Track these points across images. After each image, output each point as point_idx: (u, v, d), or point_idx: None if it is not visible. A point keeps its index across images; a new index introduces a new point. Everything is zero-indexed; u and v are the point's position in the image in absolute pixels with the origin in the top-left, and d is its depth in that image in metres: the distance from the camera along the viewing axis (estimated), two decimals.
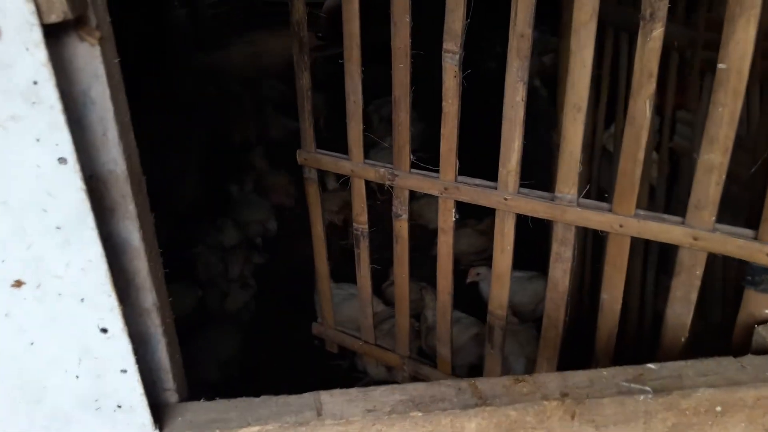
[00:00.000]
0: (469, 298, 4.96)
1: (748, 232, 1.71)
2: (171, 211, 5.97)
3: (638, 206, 1.91)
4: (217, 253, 5.07)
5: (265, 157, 6.63)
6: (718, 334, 2.33)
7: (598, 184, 3.64)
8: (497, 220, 2.19)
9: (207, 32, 12.78)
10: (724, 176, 1.68)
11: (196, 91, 9.15)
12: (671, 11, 1.74)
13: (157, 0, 10.25)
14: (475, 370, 3.49)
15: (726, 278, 2.52)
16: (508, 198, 2.11)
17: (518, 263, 2.33)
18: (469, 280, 4.44)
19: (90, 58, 1.18)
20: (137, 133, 1.37)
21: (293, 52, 2.44)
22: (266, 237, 5.85)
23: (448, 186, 2.24)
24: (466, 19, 2.01)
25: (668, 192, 3.08)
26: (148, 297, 1.38)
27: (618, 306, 2.04)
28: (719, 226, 1.76)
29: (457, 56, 2.06)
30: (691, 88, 2.61)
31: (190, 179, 6.49)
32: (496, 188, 2.15)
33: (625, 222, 1.90)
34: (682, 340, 1.89)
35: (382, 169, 2.42)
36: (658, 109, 2.82)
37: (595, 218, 1.96)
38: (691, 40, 2.50)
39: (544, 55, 9.58)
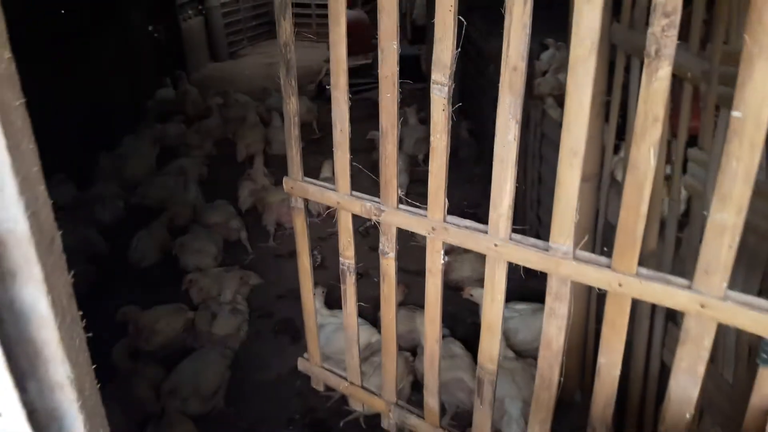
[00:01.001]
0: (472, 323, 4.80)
1: (765, 303, 1.49)
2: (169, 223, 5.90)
3: (644, 248, 1.70)
4: (213, 275, 4.92)
5: (267, 173, 6.50)
6: (730, 397, 2.10)
7: (605, 218, 3.42)
8: (487, 266, 2.00)
9: (220, 41, 12.75)
10: (737, 238, 1.46)
11: (204, 100, 9.07)
12: (683, 37, 1.53)
13: (172, 9, 10.20)
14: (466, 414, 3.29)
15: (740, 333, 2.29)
16: (498, 244, 1.91)
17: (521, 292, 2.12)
18: (464, 296, 4.25)
19: None
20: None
21: (280, 75, 2.28)
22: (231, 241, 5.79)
23: (436, 226, 2.05)
24: (456, 49, 1.83)
25: (680, 228, 2.86)
26: (59, 369, 1.19)
27: (617, 371, 1.83)
28: (731, 293, 1.54)
29: (446, 88, 1.88)
30: (705, 126, 2.39)
31: (188, 189, 6.43)
32: (486, 232, 1.95)
33: (625, 281, 1.69)
34: (687, 416, 1.68)
35: (369, 203, 2.24)
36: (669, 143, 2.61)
37: (593, 274, 1.75)
38: (705, 73, 2.28)
39: (561, 72, 9.37)
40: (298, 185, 2.45)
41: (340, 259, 2.47)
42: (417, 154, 7.27)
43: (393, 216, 2.18)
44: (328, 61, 9.46)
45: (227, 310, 4.47)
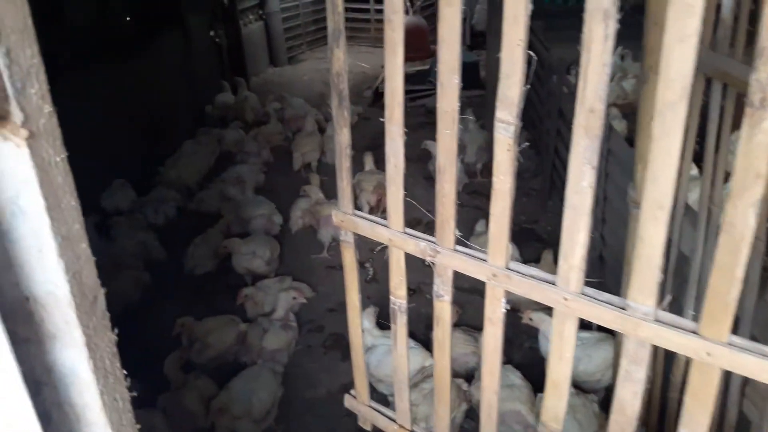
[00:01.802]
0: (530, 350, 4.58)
1: None
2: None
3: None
4: (266, 289, 4.85)
5: (321, 185, 6.42)
6: None
7: (678, 249, 3.17)
8: (555, 321, 1.81)
9: (279, 46, 12.78)
10: None
11: (262, 106, 9.07)
12: None
13: (234, 14, 10.25)
14: None
15: None
16: (569, 299, 1.72)
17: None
18: (523, 320, 4.05)
19: (17, 160, 0.93)
20: None
21: (332, 106, 2.13)
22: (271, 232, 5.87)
23: (497, 273, 1.87)
24: (526, 85, 1.65)
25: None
26: None
27: None
28: None
29: (513, 128, 1.70)
30: None
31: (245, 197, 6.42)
32: (555, 284, 1.76)
33: (714, 350, 1.48)
34: None
35: (423, 243, 2.08)
36: None
37: (677, 339, 1.55)
38: None
39: (624, 80, 8.98)
40: (348, 219, 2.31)
41: (391, 297, 2.32)
42: (477, 162, 7.03)
43: (449, 258, 2.01)
44: (384, 67, 9.33)
45: (279, 326, 4.39)
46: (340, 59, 2.05)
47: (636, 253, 1.55)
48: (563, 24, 10.07)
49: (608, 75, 1.47)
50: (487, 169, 6.97)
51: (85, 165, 5.91)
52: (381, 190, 6.41)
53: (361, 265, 5.75)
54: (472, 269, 1.94)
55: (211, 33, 9.65)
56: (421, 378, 3.78)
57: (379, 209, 6.51)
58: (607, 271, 4.94)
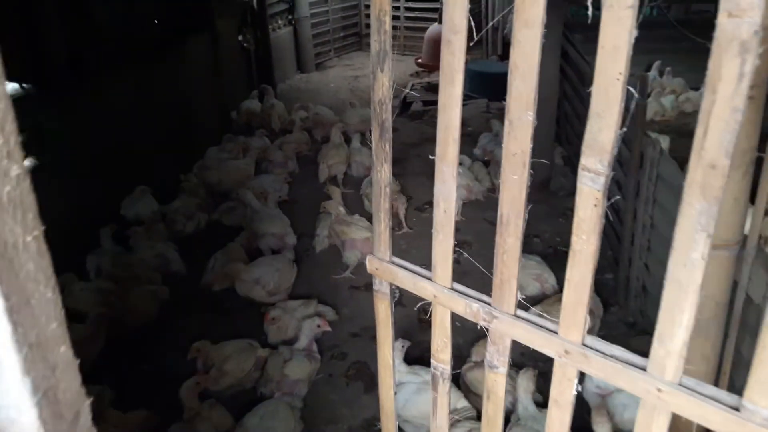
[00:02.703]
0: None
1: None
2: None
3: None
4: (292, 311, 4.55)
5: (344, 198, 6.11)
6: None
7: (746, 293, 2.81)
8: (641, 413, 1.47)
9: (307, 52, 12.52)
10: None
11: (288, 114, 8.79)
12: None
13: (263, 19, 9.99)
14: None
15: None
16: (663, 389, 1.39)
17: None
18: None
19: None
20: None
21: (372, 138, 1.81)
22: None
23: (570, 349, 1.54)
24: (622, 129, 1.32)
25: None
26: None
27: None
28: None
29: (602, 178, 1.37)
30: None
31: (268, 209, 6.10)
32: (645, 369, 1.43)
33: None
34: None
35: (476, 305, 1.75)
36: None
37: None
38: None
39: (662, 95, 8.58)
40: (385, 267, 1.98)
41: (432, 361, 1.99)
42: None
43: (509, 326, 1.67)
44: (413, 75, 9.06)
45: (302, 355, 4.08)
46: (385, 85, 1.73)
47: (756, 355, 1.21)
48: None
49: (738, 123, 1.14)
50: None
51: (108, 170, 5.64)
52: (393, 200, 6.07)
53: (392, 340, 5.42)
54: (539, 342, 1.61)
55: (240, 38, 9.40)
56: (452, 420, 3.44)
57: (393, 216, 6.21)
58: (649, 302, 4.58)
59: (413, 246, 5.87)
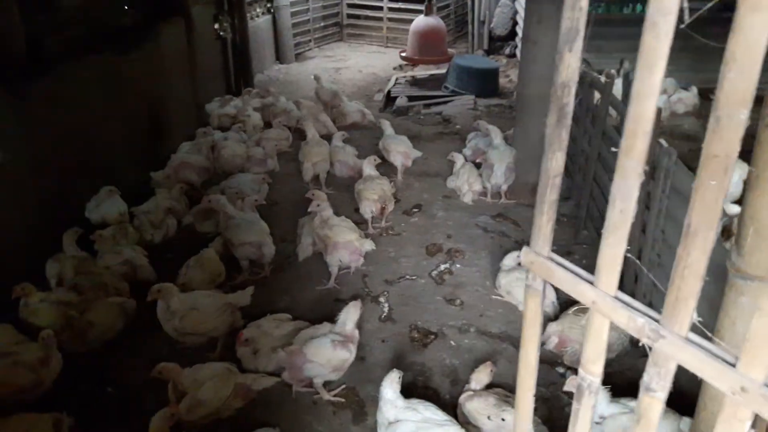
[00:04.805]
0: None
1: None
2: None
3: None
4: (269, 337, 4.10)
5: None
6: None
7: None
8: None
9: (286, 42, 12.05)
10: None
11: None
12: None
13: (241, 7, 9.49)
14: None
15: None
16: None
17: None
18: (566, 387, 3.42)
19: None
20: None
21: (548, 123, 1.58)
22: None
23: (749, 387, 1.33)
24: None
25: None
26: None
27: None
28: None
29: None
30: None
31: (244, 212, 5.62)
32: None
33: None
34: None
35: (642, 320, 1.50)
36: None
37: None
38: None
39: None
40: (541, 262, 1.76)
41: (580, 371, 1.73)
42: (505, 183, 6.21)
43: (677, 349, 1.44)
44: (397, 68, 8.64)
45: (332, 341, 3.76)
46: (571, 67, 1.53)
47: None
48: (595, 33, 9.39)
49: None
50: (513, 191, 6.26)
51: (71, 168, 5.06)
52: (385, 198, 5.72)
53: (374, 299, 5.05)
54: (710, 373, 1.40)
55: (216, 26, 8.90)
56: None
57: (382, 219, 5.86)
58: None
59: (402, 254, 5.43)
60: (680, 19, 1.29)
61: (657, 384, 1.53)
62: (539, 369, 1.95)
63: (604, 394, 3.32)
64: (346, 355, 3.80)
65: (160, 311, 4.08)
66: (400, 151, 6.68)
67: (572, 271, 1.70)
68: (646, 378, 1.55)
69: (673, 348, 1.46)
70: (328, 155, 6.67)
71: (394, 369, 3.42)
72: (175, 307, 4.04)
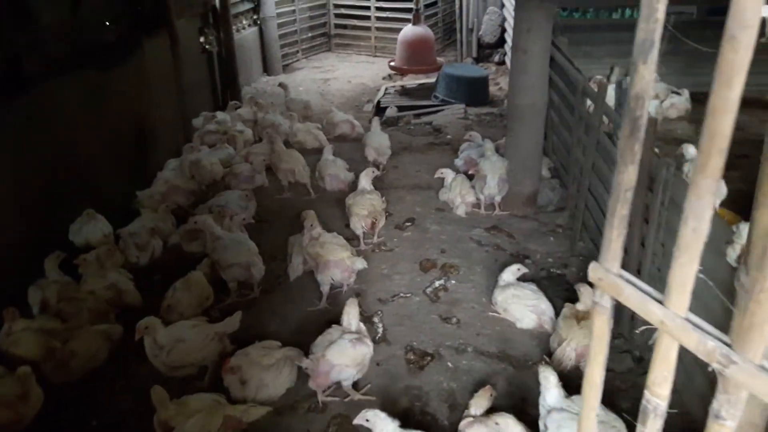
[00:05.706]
0: None
1: None
2: None
3: None
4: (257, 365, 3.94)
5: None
6: None
7: None
8: None
9: (274, 54, 11.91)
10: None
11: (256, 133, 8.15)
12: None
13: (227, 20, 9.34)
14: None
15: None
16: None
17: None
18: None
19: None
20: None
21: (621, 135, 1.47)
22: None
23: None
24: None
25: None
26: None
27: None
28: None
29: None
30: None
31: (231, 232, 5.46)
32: None
33: None
34: None
35: (712, 343, 1.39)
36: None
37: None
38: None
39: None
40: (611, 279, 1.64)
41: (646, 394, 1.60)
42: (498, 194, 6.04)
43: (749, 377, 1.34)
44: (386, 78, 8.48)
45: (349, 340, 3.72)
46: (645, 78, 1.42)
47: None
48: (584, 39, 9.33)
49: None
50: (506, 202, 6.13)
51: (53, 190, 4.86)
52: (376, 213, 5.58)
53: (367, 319, 4.85)
54: None
55: (201, 39, 8.75)
56: None
57: (374, 234, 5.71)
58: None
59: (395, 271, 5.28)
60: (667, 21, 1.17)
61: (727, 412, 1.46)
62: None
63: (559, 390, 3.36)
64: (366, 350, 3.85)
65: (148, 347, 3.95)
66: (374, 146, 7.00)
67: (642, 290, 1.62)
68: (715, 405, 1.48)
69: (745, 376, 1.38)
70: (303, 161, 6.59)
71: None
72: (162, 342, 3.89)
